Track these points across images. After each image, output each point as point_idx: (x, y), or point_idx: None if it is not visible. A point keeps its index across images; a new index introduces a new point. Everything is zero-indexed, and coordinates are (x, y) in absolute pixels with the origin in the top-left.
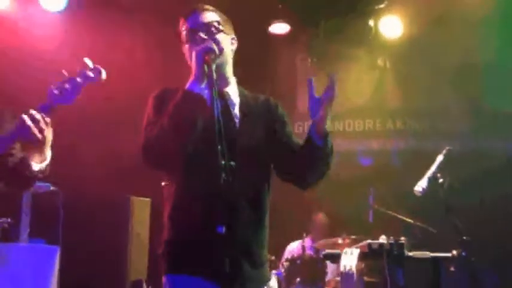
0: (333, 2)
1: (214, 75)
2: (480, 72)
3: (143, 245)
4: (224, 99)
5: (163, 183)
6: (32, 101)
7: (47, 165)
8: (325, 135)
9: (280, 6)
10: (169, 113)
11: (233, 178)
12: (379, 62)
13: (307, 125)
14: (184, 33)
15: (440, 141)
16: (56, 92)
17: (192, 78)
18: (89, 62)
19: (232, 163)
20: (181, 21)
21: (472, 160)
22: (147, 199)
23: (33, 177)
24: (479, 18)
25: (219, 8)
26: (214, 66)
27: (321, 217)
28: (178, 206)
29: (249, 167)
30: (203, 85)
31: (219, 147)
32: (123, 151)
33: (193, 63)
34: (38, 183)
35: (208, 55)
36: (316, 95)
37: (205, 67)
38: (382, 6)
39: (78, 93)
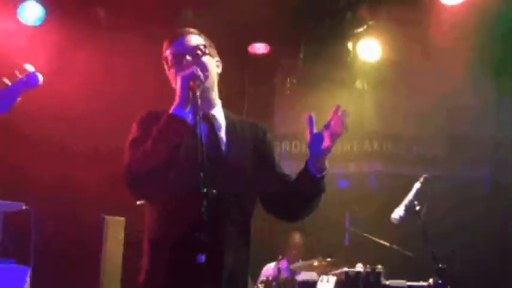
0: (312, 24)
1: (199, 101)
2: (456, 98)
3: (117, 265)
4: (210, 122)
5: (138, 202)
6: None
7: None
8: (324, 169)
9: (259, 26)
10: (152, 137)
11: (216, 206)
12: (358, 84)
13: (284, 144)
14: (169, 57)
15: (416, 164)
16: None
17: (176, 102)
18: (28, 67)
19: (214, 191)
20: (166, 45)
21: (448, 185)
22: (122, 218)
23: None
24: (457, 45)
25: (199, 27)
26: (198, 93)
27: (296, 237)
28: (158, 233)
29: (235, 193)
30: (187, 109)
31: (201, 174)
32: (97, 169)
33: (177, 88)
34: (9, 202)
35: (193, 81)
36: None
37: (190, 93)
38: (361, 29)
39: (15, 101)
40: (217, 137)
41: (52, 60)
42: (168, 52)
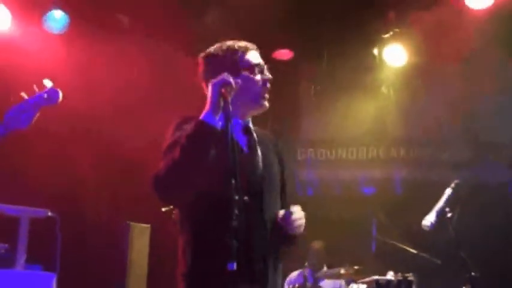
0: (337, 30)
1: (230, 107)
2: (482, 103)
3: (142, 272)
4: (250, 133)
5: (163, 209)
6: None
7: None
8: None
9: (283, 33)
10: (181, 143)
11: (247, 213)
12: (383, 89)
13: (309, 152)
14: (246, 65)
15: (443, 170)
16: (11, 116)
17: (206, 108)
18: (47, 83)
19: (246, 198)
20: (241, 53)
21: (474, 190)
22: (147, 225)
23: None
24: (483, 50)
25: (222, 33)
26: (230, 99)
27: (317, 244)
28: (191, 241)
29: (266, 200)
30: (217, 117)
31: (233, 181)
32: (122, 175)
33: (208, 94)
34: (35, 209)
35: (225, 87)
36: None
37: (221, 100)
38: (387, 35)
39: (33, 117)
40: (256, 148)
41: (76, 67)
42: (244, 60)
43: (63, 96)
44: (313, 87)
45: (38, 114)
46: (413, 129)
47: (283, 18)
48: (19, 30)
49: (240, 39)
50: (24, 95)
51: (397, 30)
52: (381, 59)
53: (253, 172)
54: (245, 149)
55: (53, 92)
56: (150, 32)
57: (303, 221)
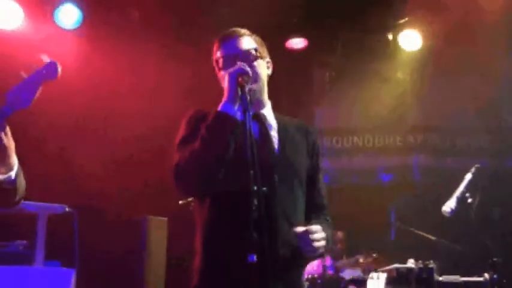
0: (351, 16)
1: (248, 97)
2: (501, 88)
3: (161, 265)
4: (261, 121)
5: (180, 202)
6: (45, 121)
7: (17, 175)
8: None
9: (296, 21)
10: (201, 135)
11: (269, 204)
12: (399, 76)
13: (325, 140)
14: (220, 60)
15: (461, 156)
16: (12, 96)
17: (224, 99)
18: (45, 58)
19: (265, 189)
20: (216, 46)
21: (494, 176)
22: (164, 218)
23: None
24: (500, 32)
25: (236, 22)
26: (247, 88)
27: (337, 234)
28: (209, 233)
29: (289, 191)
30: (236, 107)
31: (251, 171)
32: (139, 169)
33: (225, 85)
34: (53, 205)
35: (242, 77)
36: None
37: (239, 89)
38: (402, 21)
39: (35, 94)
40: (269, 136)
41: (87, 63)
42: (218, 54)
43: (76, 90)
44: (327, 74)
45: (40, 91)
46: (430, 116)
47: (296, 7)
48: (31, 27)
49: (253, 29)
50: (23, 74)
51: (411, 15)
52: (395, 45)
53: (262, 160)
54: (256, 136)
55: (51, 66)
56: (161, 26)
57: (322, 243)
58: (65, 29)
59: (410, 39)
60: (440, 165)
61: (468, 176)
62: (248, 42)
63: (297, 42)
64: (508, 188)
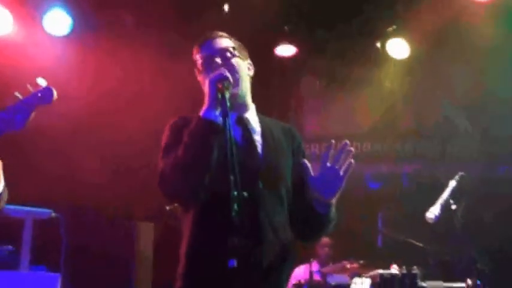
0: (340, 24)
1: (228, 103)
2: (489, 96)
3: (148, 270)
4: (244, 125)
5: (167, 207)
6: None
7: (1, 192)
8: (330, 205)
9: (286, 28)
10: (184, 141)
11: (251, 209)
12: (387, 83)
13: (313, 147)
14: (199, 61)
15: (451, 164)
16: (5, 116)
17: (205, 105)
18: (41, 82)
19: (245, 193)
20: (196, 50)
21: (482, 183)
22: (151, 224)
23: None
24: (487, 41)
25: (226, 30)
26: (227, 94)
27: (324, 239)
28: (192, 239)
29: (274, 197)
30: (217, 112)
31: (232, 177)
32: (126, 175)
33: (206, 91)
34: (39, 210)
35: (222, 83)
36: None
37: (219, 95)
38: (390, 29)
39: (28, 118)
40: (252, 141)
41: (79, 67)
42: (198, 56)
43: (66, 96)
44: (317, 82)
45: (33, 115)
46: (418, 123)
47: (286, 14)
48: (20, 32)
49: (242, 36)
50: (18, 94)
51: (399, 22)
52: (384, 53)
53: (245, 165)
54: (239, 141)
55: (47, 91)
56: (153, 30)
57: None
58: (55, 36)
59: (398, 47)
60: (430, 172)
61: (452, 183)
62: (225, 41)
63: (287, 50)
64: (497, 195)
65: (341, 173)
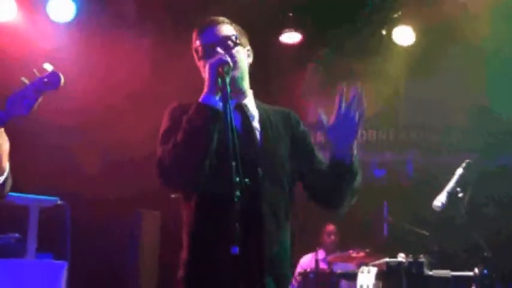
0: (345, 11)
1: (228, 88)
2: (494, 85)
3: (153, 258)
4: (242, 111)
5: (172, 196)
6: (40, 115)
7: (6, 178)
8: (353, 154)
9: (291, 15)
10: (183, 127)
11: (252, 195)
12: (392, 72)
13: (318, 135)
14: (199, 48)
15: (455, 153)
16: (12, 101)
17: (205, 90)
18: (48, 67)
19: (247, 180)
20: (195, 35)
21: (487, 171)
22: (157, 212)
23: None
24: (491, 29)
25: (230, 16)
26: (228, 79)
27: (330, 228)
28: (195, 226)
29: (274, 184)
30: (217, 98)
31: (233, 163)
32: (131, 163)
33: (206, 76)
34: (45, 198)
35: (222, 67)
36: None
37: (219, 80)
38: (395, 15)
39: (35, 102)
40: (251, 127)
41: (83, 57)
42: (198, 43)
43: (70, 83)
44: (320, 69)
45: (40, 100)
46: (423, 111)
47: (291, 1)
48: (25, 19)
49: (247, 24)
50: (24, 80)
51: (404, 9)
52: (389, 40)
53: (244, 153)
54: (238, 128)
55: (53, 76)
56: (157, 20)
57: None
58: (58, 23)
59: (404, 35)
60: (434, 161)
61: (459, 171)
62: (227, 29)
63: (291, 37)
64: (500, 184)
65: (356, 119)
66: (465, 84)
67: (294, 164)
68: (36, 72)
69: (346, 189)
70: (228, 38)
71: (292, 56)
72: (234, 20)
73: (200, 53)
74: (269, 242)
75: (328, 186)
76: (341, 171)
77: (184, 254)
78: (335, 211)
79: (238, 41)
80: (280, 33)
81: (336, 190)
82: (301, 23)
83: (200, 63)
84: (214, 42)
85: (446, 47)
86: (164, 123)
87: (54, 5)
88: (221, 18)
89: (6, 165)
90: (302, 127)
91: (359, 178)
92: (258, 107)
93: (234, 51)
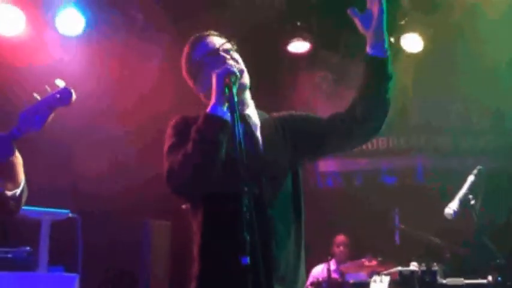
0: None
1: (236, 98)
2: (503, 89)
3: (165, 269)
4: (245, 121)
5: (183, 206)
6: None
7: (22, 191)
8: (387, 49)
9: (299, 24)
10: (193, 138)
11: (260, 204)
12: (401, 78)
13: None
14: (201, 61)
15: (465, 157)
16: (25, 117)
17: (212, 101)
18: (59, 83)
19: (256, 189)
20: (188, 52)
21: (498, 177)
22: (168, 223)
23: (5, 203)
24: (500, 33)
25: (236, 27)
26: (235, 89)
27: (341, 237)
28: (204, 238)
29: (278, 191)
30: (225, 108)
31: (242, 172)
32: (141, 174)
33: (213, 86)
34: (56, 211)
35: (229, 77)
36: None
37: (226, 90)
38: (402, 22)
39: (47, 119)
40: (254, 137)
41: (90, 71)
42: (195, 57)
43: (80, 96)
44: (329, 77)
45: (52, 116)
46: (434, 117)
47: (299, 9)
48: (34, 33)
49: (256, 31)
50: (36, 95)
51: (412, 15)
52: (397, 47)
53: (249, 163)
54: (243, 138)
55: (65, 92)
56: (165, 28)
57: None
58: (67, 36)
59: (411, 42)
60: (444, 166)
61: (471, 178)
62: (219, 39)
63: (300, 45)
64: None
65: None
66: (476, 89)
67: (313, 147)
68: (48, 88)
69: (382, 91)
70: (224, 44)
71: (300, 64)
72: (244, 28)
73: (199, 65)
74: (279, 250)
75: (364, 93)
76: (376, 66)
77: (195, 267)
78: (375, 128)
79: (234, 47)
80: (288, 42)
81: (372, 95)
82: (309, 31)
83: (199, 76)
84: (215, 49)
85: (454, 52)
86: (169, 138)
87: (63, 19)
88: (210, 31)
89: (22, 177)
90: (295, 114)
91: (392, 85)
92: (259, 116)
93: (235, 55)
